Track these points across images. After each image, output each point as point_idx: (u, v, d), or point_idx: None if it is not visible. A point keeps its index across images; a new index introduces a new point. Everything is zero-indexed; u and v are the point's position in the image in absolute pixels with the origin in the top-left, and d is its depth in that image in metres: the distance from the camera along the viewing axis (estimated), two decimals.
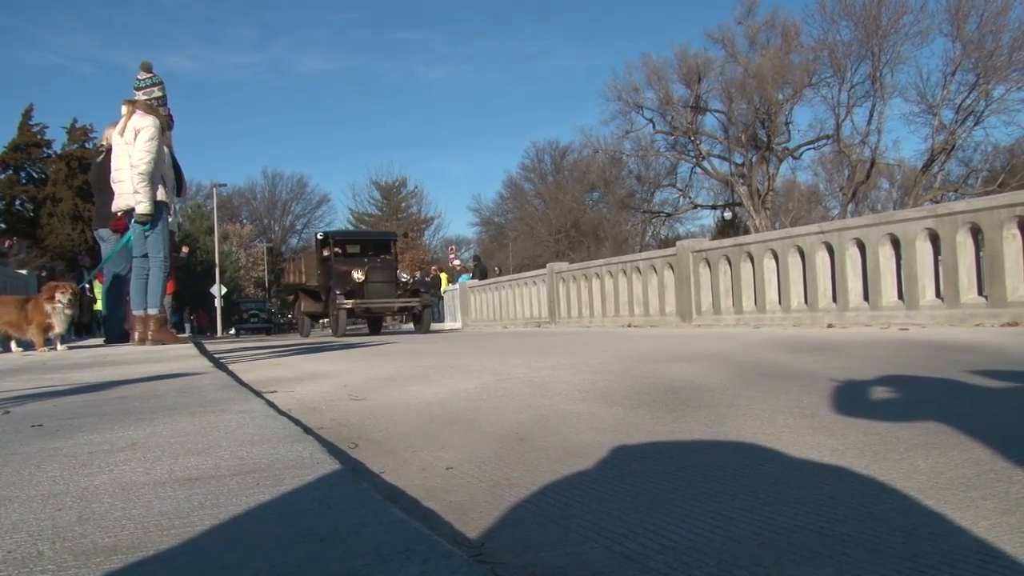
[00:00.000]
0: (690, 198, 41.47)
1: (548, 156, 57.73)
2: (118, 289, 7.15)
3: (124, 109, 6.32)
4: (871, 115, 33.92)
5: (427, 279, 22.97)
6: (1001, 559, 1.10)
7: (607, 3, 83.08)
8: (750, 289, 9.89)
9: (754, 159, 37.86)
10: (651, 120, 39.08)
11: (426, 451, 2.04)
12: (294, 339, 15.44)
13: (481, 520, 1.40)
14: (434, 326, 21.53)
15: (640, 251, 24.19)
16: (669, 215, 43.03)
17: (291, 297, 22.02)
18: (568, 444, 2.07)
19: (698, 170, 40.22)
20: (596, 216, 50.45)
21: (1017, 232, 6.76)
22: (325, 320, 19.07)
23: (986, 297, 6.98)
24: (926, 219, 7.59)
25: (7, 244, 17.98)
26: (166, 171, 6.36)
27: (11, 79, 73.75)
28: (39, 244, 34.58)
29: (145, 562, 0.97)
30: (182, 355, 4.91)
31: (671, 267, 11.48)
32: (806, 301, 8.94)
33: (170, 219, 6.47)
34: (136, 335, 6.56)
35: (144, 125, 6.11)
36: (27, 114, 38.88)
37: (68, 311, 5.90)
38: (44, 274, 15.74)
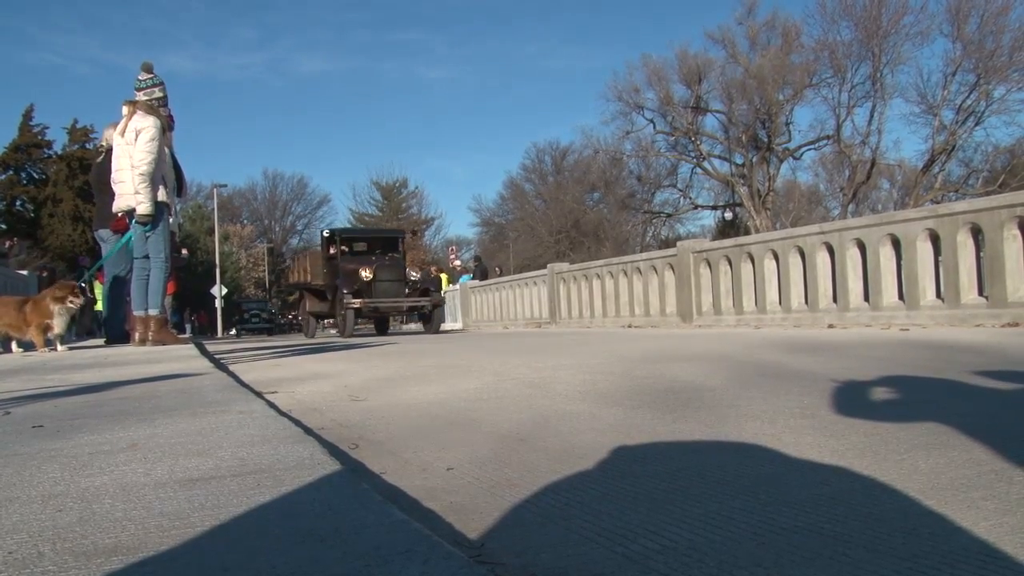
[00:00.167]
0: (690, 198, 41.52)
1: (548, 157, 57.82)
2: (119, 290, 7.15)
3: (125, 110, 6.33)
4: (871, 115, 33.98)
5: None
6: (1002, 560, 1.10)
7: (607, 3, 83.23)
8: (751, 289, 9.89)
9: (754, 159, 37.87)
10: (651, 120, 39.15)
11: (427, 452, 2.04)
12: (295, 339, 15.43)
13: (482, 521, 1.40)
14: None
15: (641, 251, 24.16)
16: (670, 215, 43.06)
17: (290, 297, 21.84)
18: (568, 444, 2.07)
19: (698, 170, 40.27)
20: (597, 216, 50.47)
21: (1018, 232, 6.76)
22: (327, 320, 18.51)
23: (987, 297, 6.98)
24: (927, 219, 7.59)
25: (8, 245, 18.00)
26: (167, 172, 6.37)
27: (11, 79, 73.96)
28: (40, 245, 34.60)
29: (146, 563, 0.97)
30: (183, 356, 4.91)
31: (672, 267, 11.48)
32: (807, 301, 8.94)
33: (171, 220, 6.47)
34: (137, 336, 6.56)
35: (145, 126, 6.12)
36: (28, 115, 38.93)
37: (75, 312, 5.99)
38: (45, 275, 15.74)
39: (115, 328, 7.38)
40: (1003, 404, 2.56)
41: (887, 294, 7.93)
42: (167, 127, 6.43)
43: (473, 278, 21.42)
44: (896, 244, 7.85)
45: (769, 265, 9.54)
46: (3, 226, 36.03)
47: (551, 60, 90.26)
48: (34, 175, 39.31)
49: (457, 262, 30.86)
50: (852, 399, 2.68)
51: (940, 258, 7.47)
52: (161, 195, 6.25)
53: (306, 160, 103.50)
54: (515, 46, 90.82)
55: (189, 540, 1.05)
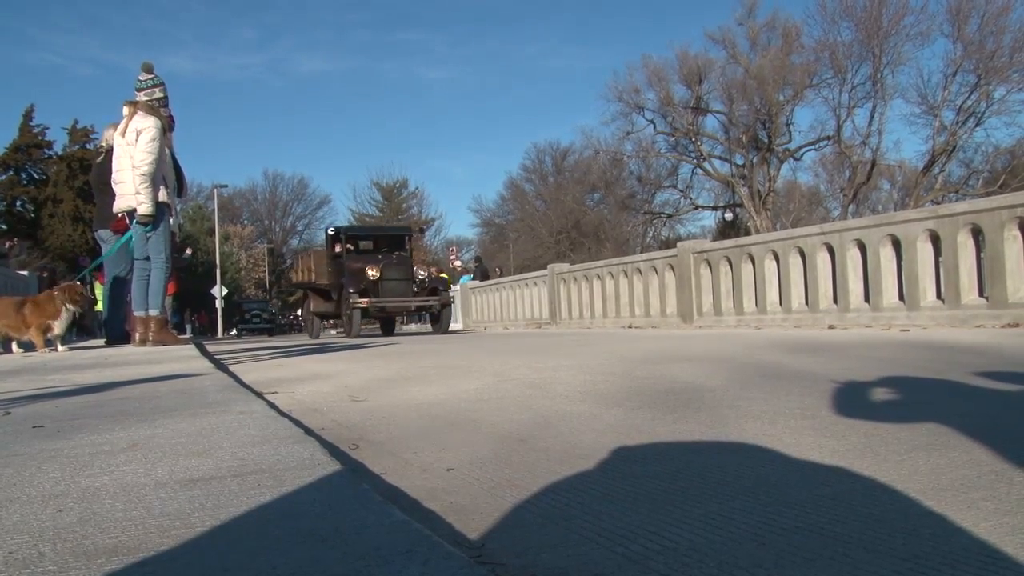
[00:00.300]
0: (691, 199, 41.52)
1: (549, 157, 57.80)
2: (119, 290, 7.15)
3: (125, 110, 6.33)
4: (872, 116, 33.99)
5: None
6: (1002, 560, 1.10)
7: (607, 3, 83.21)
8: (751, 290, 9.89)
9: (755, 160, 37.88)
10: (652, 121, 39.16)
11: (427, 452, 2.04)
12: (296, 340, 15.42)
13: (482, 521, 1.40)
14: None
15: (641, 252, 24.15)
16: (670, 216, 43.06)
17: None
18: (569, 445, 2.07)
19: (699, 171, 40.28)
20: (597, 217, 50.48)
21: (1018, 233, 6.76)
22: (330, 320, 17.96)
23: (987, 298, 6.98)
24: (927, 220, 7.59)
25: (8, 245, 17.99)
26: (167, 172, 6.37)
27: (12, 80, 74.01)
28: (40, 245, 34.60)
29: (146, 563, 0.97)
30: (183, 356, 4.91)
31: (672, 268, 11.48)
32: (807, 302, 8.94)
33: (171, 220, 6.47)
34: (137, 336, 6.56)
35: (146, 126, 6.12)
36: (28, 115, 38.94)
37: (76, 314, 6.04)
38: (45, 275, 15.75)
39: (115, 328, 7.38)
40: (1004, 405, 2.56)
41: (887, 295, 7.93)
42: (167, 127, 6.44)
43: (473, 279, 21.42)
44: (896, 245, 7.85)
45: (769, 266, 9.54)
46: (3, 226, 36.03)
47: (551, 60, 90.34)
48: (34, 175, 39.32)
49: (457, 263, 30.88)
50: (852, 400, 2.68)
51: (940, 259, 7.47)
52: (162, 196, 6.26)
53: (306, 160, 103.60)
54: (515, 46, 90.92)
55: (189, 540, 1.05)
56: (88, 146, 36.41)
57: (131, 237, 6.50)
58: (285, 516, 1.14)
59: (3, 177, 38.27)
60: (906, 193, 35.71)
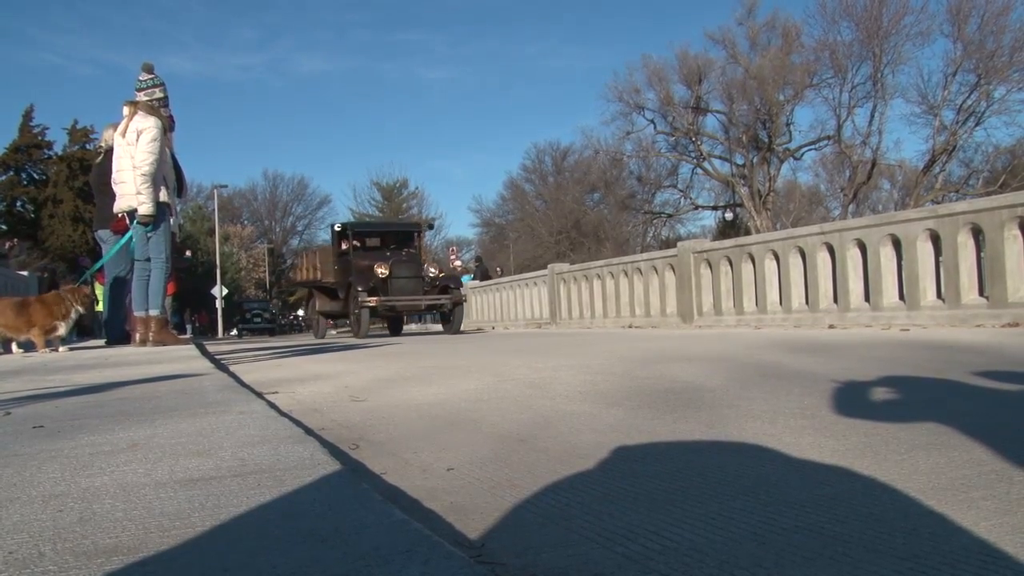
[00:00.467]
0: (691, 199, 41.52)
1: (549, 157, 57.80)
2: (119, 290, 7.15)
3: (126, 110, 6.33)
4: (872, 116, 33.99)
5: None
6: (1002, 559, 1.10)
7: (607, 4, 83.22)
8: (751, 290, 9.89)
9: (755, 160, 37.88)
10: (652, 121, 39.16)
11: (427, 452, 2.04)
12: (296, 340, 15.40)
13: (482, 521, 1.40)
14: (433, 327, 21.40)
15: (641, 252, 24.14)
16: (670, 216, 43.06)
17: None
18: (569, 445, 2.07)
19: (699, 171, 40.28)
20: (597, 217, 50.48)
21: (1018, 233, 6.76)
22: (332, 320, 17.23)
23: (987, 298, 6.98)
24: (927, 220, 7.59)
25: (8, 245, 18.01)
26: (167, 172, 6.37)
27: (11, 80, 73.94)
28: (40, 245, 34.59)
29: (146, 563, 0.97)
30: (183, 356, 4.91)
31: (672, 268, 11.48)
32: (807, 302, 8.94)
33: (172, 221, 6.48)
34: (137, 336, 6.56)
35: (146, 126, 6.12)
36: (28, 115, 38.92)
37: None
38: (45, 275, 15.75)
39: (116, 329, 7.38)
40: (1003, 404, 2.56)
41: (887, 294, 7.93)
42: (168, 128, 6.44)
43: (474, 279, 21.42)
44: (897, 244, 7.85)
45: (770, 265, 9.54)
46: (3, 227, 36.04)
47: (551, 60, 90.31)
48: (34, 176, 39.31)
49: (457, 263, 30.88)
50: (852, 399, 2.68)
51: (940, 258, 7.47)
52: (162, 196, 6.26)
53: (306, 160, 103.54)
54: (515, 46, 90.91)
55: (189, 540, 1.05)
56: (88, 146, 36.39)
57: (131, 237, 6.50)
58: (285, 516, 1.14)
59: (3, 177, 38.26)
60: (906, 193, 35.71)
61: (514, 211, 59.48)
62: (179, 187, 6.83)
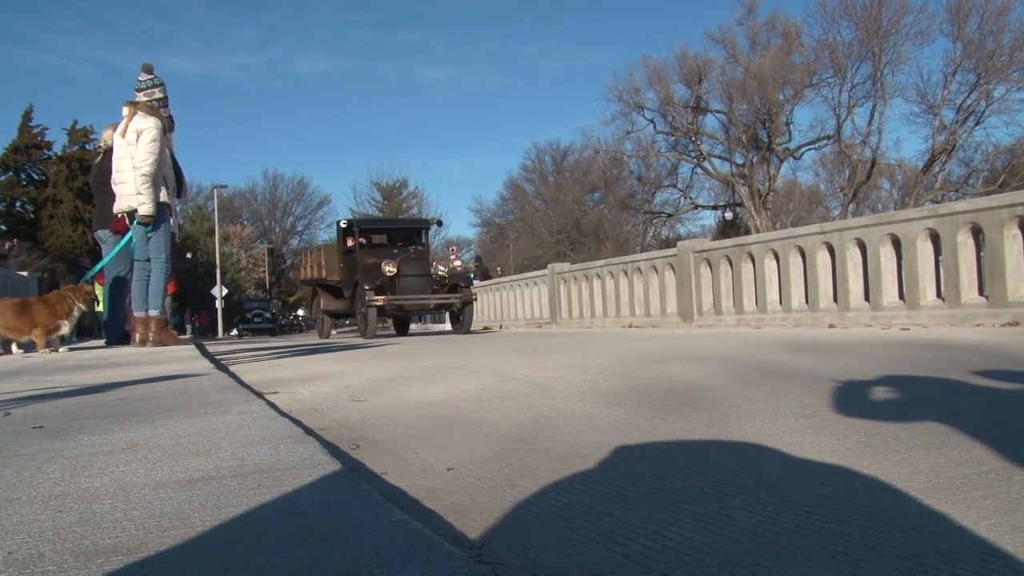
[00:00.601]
0: (691, 198, 41.53)
1: (549, 157, 57.81)
2: (119, 291, 7.15)
3: (125, 110, 6.33)
4: (872, 115, 34.01)
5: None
6: (1002, 559, 1.09)
7: (607, 3, 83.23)
8: (751, 289, 9.89)
9: (755, 159, 37.88)
10: (652, 121, 39.17)
11: (427, 452, 2.04)
12: (297, 340, 15.38)
13: (482, 521, 1.40)
14: (433, 327, 21.39)
15: (641, 252, 24.13)
16: (670, 216, 43.07)
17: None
18: (569, 445, 2.06)
19: (699, 170, 40.28)
20: (597, 217, 50.49)
21: (1018, 232, 6.76)
22: (335, 319, 16.81)
23: (987, 297, 6.98)
24: (927, 219, 7.59)
25: (8, 246, 18.00)
26: (167, 173, 6.37)
27: (11, 80, 74.00)
28: (40, 246, 34.59)
29: (146, 563, 0.97)
30: (183, 356, 4.91)
31: (672, 267, 11.48)
32: (807, 301, 8.94)
33: (172, 221, 6.48)
34: (137, 336, 6.56)
35: (146, 127, 6.12)
36: (27, 115, 38.90)
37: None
38: (45, 276, 15.74)
39: (115, 329, 7.38)
40: (1003, 403, 2.56)
41: (887, 294, 7.93)
42: (168, 128, 6.44)
43: (474, 278, 21.40)
44: (896, 244, 7.86)
45: (769, 265, 9.54)
46: (3, 227, 36.03)
47: (551, 60, 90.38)
48: (34, 176, 39.29)
49: (458, 262, 30.84)
50: (852, 399, 2.68)
51: (940, 258, 7.47)
52: (162, 196, 6.26)
53: (306, 160, 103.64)
54: (515, 46, 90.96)
55: (189, 540, 1.05)
56: (88, 147, 36.37)
57: (131, 238, 6.50)
58: (285, 516, 1.14)
59: (3, 178, 38.24)
60: (906, 192, 35.72)
61: (514, 211, 59.50)
62: (179, 187, 6.83)
